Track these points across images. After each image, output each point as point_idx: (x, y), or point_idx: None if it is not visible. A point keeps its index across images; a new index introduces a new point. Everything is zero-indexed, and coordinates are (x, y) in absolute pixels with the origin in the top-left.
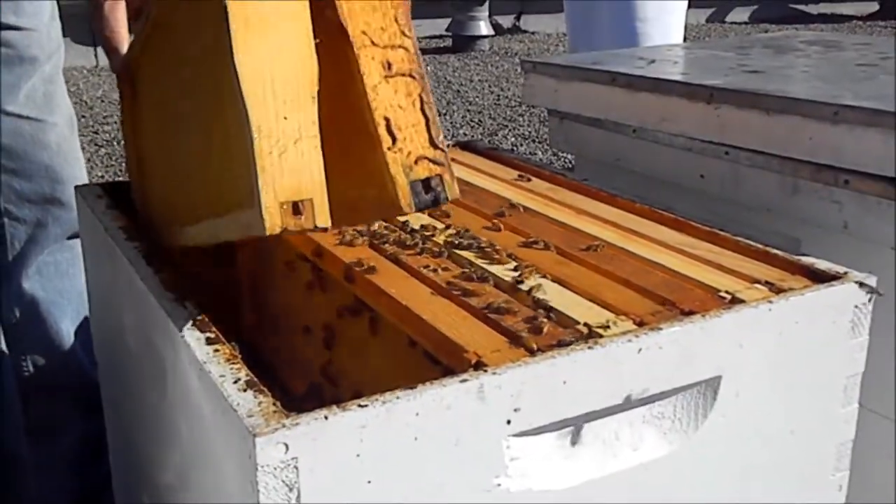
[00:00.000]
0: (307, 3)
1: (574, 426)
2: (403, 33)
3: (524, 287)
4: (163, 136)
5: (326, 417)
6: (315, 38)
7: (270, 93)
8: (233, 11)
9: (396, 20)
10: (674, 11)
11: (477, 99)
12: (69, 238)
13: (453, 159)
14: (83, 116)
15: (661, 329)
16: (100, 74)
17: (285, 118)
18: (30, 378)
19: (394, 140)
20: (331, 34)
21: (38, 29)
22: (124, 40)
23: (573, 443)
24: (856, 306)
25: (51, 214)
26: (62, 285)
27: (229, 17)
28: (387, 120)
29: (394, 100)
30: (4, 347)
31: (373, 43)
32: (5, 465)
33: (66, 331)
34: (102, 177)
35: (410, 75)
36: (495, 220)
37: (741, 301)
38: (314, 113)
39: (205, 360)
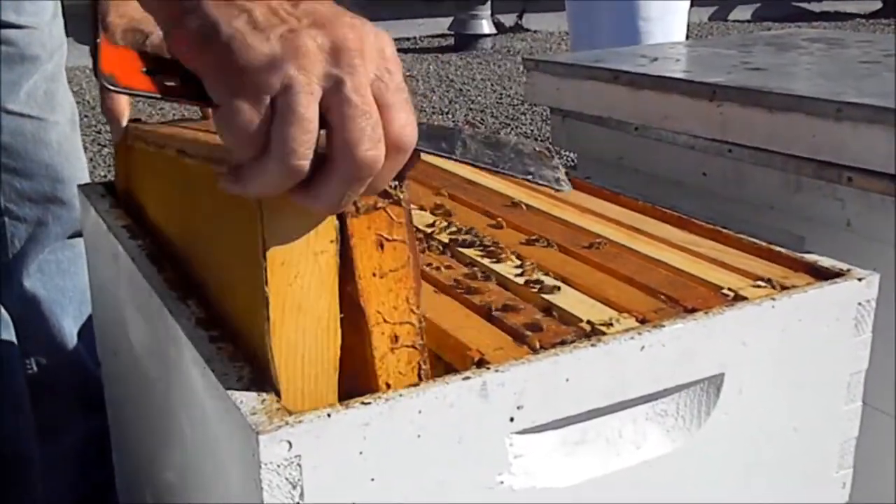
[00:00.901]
0: (336, 288)
1: (577, 423)
2: (412, 311)
3: (527, 285)
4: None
5: (329, 415)
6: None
7: (300, 367)
8: (273, 301)
9: (407, 300)
10: (677, 10)
11: (479, 98)
12: (70, 237)
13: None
14: (86, 116)
15: (663, 326)
16: None
17: (313, 385)
18: (33, 377)
19: None
20: (350, 307)
21: (40, 27)
22: (125, 111)
23: (576, 441)
24: (859, 303)
25: (51, 213)
26: (64, 284)
27: (269, 306)
28: (388, 385)
29: (397, 367)
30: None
31: (385, 320)
32: (12, 465)
33: (69, 329)
34: (105, 176)
35: (413, 346)
36: (498, 218)
37: (744, 298)
38: (335, 381)
39: (208, 358)
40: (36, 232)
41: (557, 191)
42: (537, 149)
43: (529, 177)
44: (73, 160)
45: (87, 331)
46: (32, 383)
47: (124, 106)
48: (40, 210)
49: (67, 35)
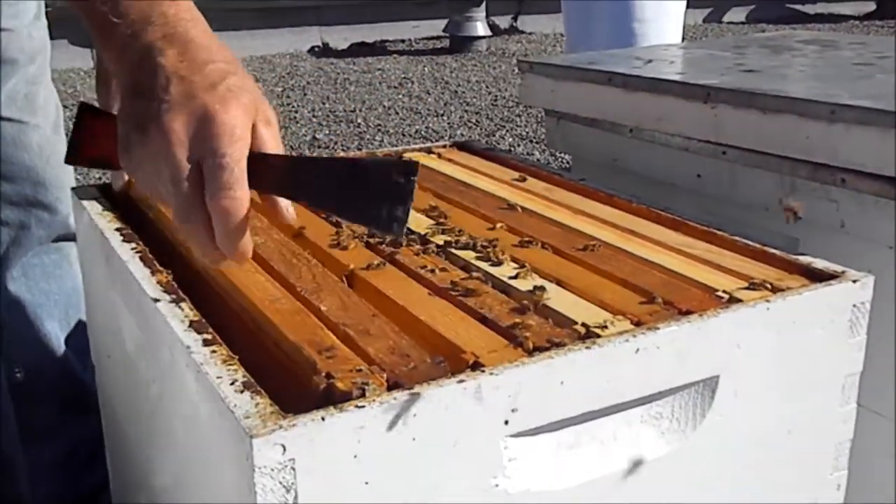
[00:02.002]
0: None
1: (572, 426)
2: None
3: (522, 287)
4: None
5: (323, 419)
6: None
7: None
8: None
9: None
10: (671, 12)
11: (474, 100)
12: (55, 240)
13: (450, 160)
14: None
15: (658, 329)
16: None
17: None
18: (20, 382)
19: None
20: None
21: (18, 30)
22: None
23: (571, 444)
24: (854, 305)
25: (34, 216)
26: (48, 287)
27: None
28: None
29: None
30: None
31: None
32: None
33: (54, 333)
34: (100, 178)
35: None
36: (493, 221)
37: (739, 301)
38: None
39: (202, 362)
40: (19, 235)
41: (386, 234)
42: (398, 181)
43: (363, 222)
44: (55, 163)
45: (74, 335)
46: (20, 388)
47: None
48: (23, 213)
49: (61, 38)
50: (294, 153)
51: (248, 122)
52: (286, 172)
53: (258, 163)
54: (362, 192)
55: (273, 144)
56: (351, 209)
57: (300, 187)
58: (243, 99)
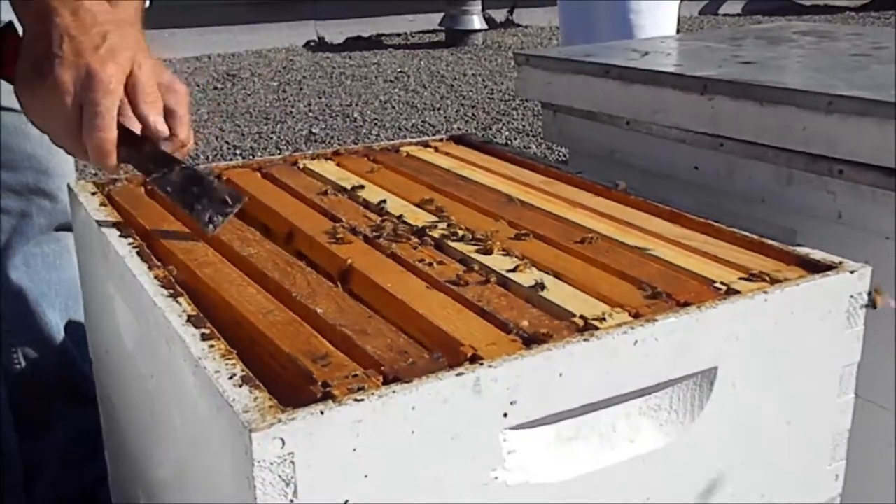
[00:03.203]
0: None
1: (570, 418)
2: None
3: (519, 280)
4: None
5: (322, 412)
6: None
7: None
8: None
9: None
10: (667, 4)
11: (470, 93)
12: (56, 230)
13: (447, 153)
14: None
15: (656, 321)
16: None
17: None
18: (20, 372)
19: None
20: None
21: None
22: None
23: (570, 436)
24: (851, 296)
25: (35, 205)
26: (50, 277)
27: None
28: None
29: None
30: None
31: None
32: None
33: (55, 323)
34: (97, 174)
35: None
36: (491, 214)
37: (737, 292)
38: None
39: (200, 357)
40: (20, 224)
41: (204, 231)
42: (226, 198)
43: (191, 214)
44: (56, 152)
45: (74, 325)
46: (20, 378)
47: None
48: (24, 202)
49: None
50: (289, 150)
51: (122, 77)
52: (147, 158)
53: (135, 139)
54: (200, 194)
55: (144, 80)
56: (185, 202)
57: (155, 170)
58: (119, 58)
